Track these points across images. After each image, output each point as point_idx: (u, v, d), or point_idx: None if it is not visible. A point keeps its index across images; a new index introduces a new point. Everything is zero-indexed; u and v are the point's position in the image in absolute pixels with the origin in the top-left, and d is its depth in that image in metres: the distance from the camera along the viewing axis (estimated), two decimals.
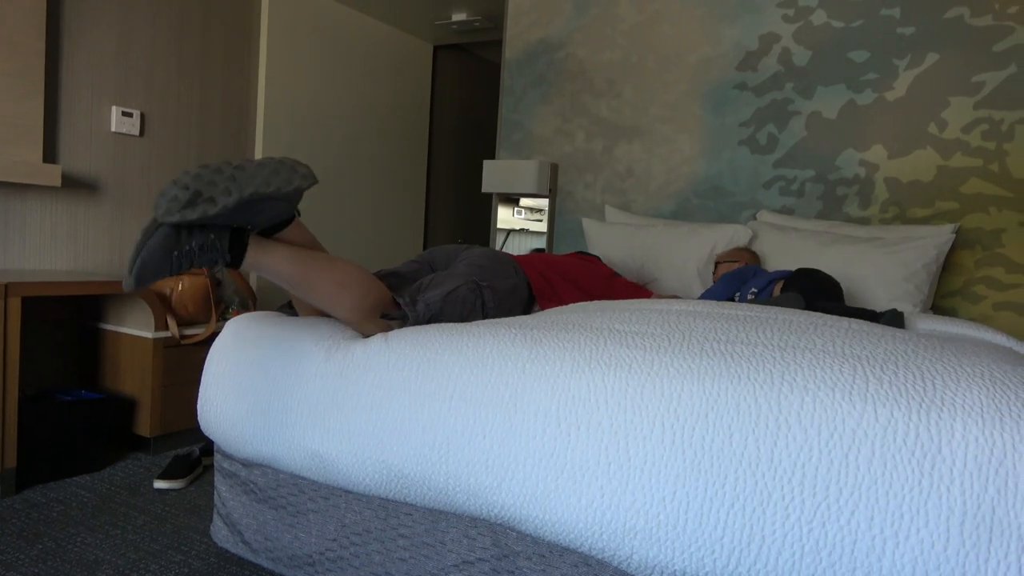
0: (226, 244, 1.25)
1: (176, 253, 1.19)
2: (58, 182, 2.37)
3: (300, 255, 1.35)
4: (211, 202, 1.17)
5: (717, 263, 2.57)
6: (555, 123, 3.51)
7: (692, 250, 2.75)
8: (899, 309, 2.11)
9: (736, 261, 2.51)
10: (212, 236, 1.22)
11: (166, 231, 1.18)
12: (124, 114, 2.67)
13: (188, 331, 2.49)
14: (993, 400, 0.93)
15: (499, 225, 3.84)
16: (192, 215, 1.16)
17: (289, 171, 1.25)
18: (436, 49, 4.57)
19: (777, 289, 2.11)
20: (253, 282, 3.25)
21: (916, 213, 2.69)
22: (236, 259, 1.28)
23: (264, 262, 1.31)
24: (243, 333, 1.50)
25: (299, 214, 1.39)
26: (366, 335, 1.46)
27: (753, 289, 2.17)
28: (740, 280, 2.27)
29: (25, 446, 2.08)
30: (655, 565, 1.04)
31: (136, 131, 2.72)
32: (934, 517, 0.88)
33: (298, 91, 3.43)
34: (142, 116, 2.75)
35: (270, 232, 1.36)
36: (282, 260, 1.32)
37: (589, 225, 3.13)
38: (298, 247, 1.37)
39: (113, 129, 2.65)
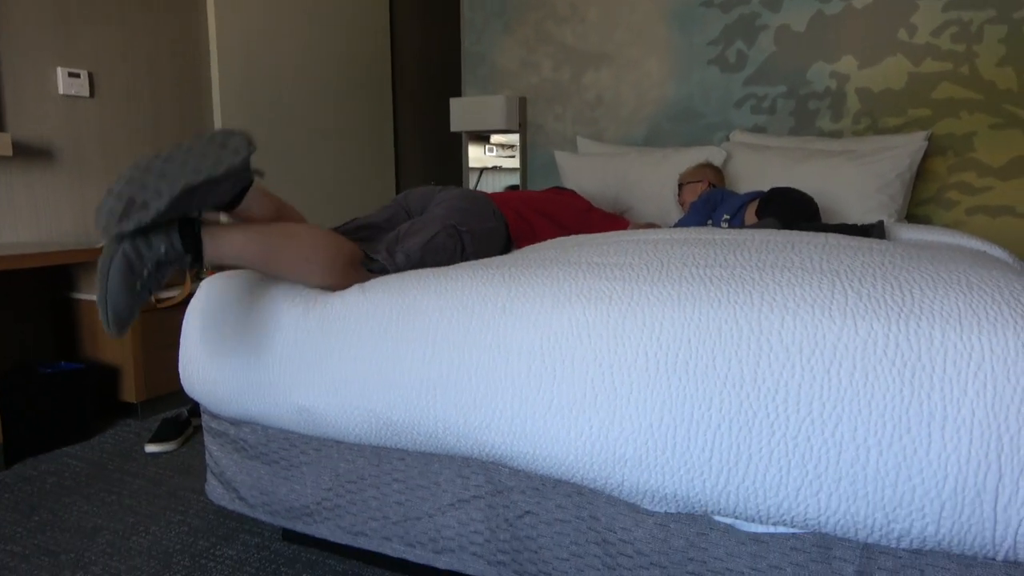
0: (179, 246, 1.17)
1: (138, 284, 1.14)
2: (9, 151, 2.28)
3: (260, 235, 1.28)
4: (144, 207, 1.11)
5: (681, 184, 2.54)
6: (520, 54, 3.42)
7: (666, 176, 2.73)
8: (878, 220, 2.12)
9: (699, 181, 2.48)
10: (163, 248, 1.15)
11: (119, 266, 1.12)
12: (71, 75, 2.56)
13: (163, 295, 2.46)
14: (970, 306, 0.94)
15: (471, 164, 3.78)
16: (129, 225, 1.10)
17: (217, 149, 1.16)
18: None
19: (750, 211, 2.10)
20: None
21: (888, 122, 2.68)
22: (196, 257, 1.21)
23: (224, 251, 1.24)
24: (218, 293, 1.47)
25: (261, 175, 1.30)
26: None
27: (726, 216, 2.15)
28: (710, 207, 2.25)
29: (9, 420, 2.06)
30: (646, 490, 1.06)
31: (85, 92, 2.61)
32: (916, 423, 0.90)
33: (252, 34, 3.30)
34: (90, 76, 2.64)
35: (230, 207, 1.29)
36: (242, 246, 1.26)
37: (562, 158, 3.09)
38: (257, 225, 1.30)
39: (61, 92, 2.54)
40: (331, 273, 1.36)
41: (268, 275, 1.38)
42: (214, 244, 1.23)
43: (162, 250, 1.15)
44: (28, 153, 2.47)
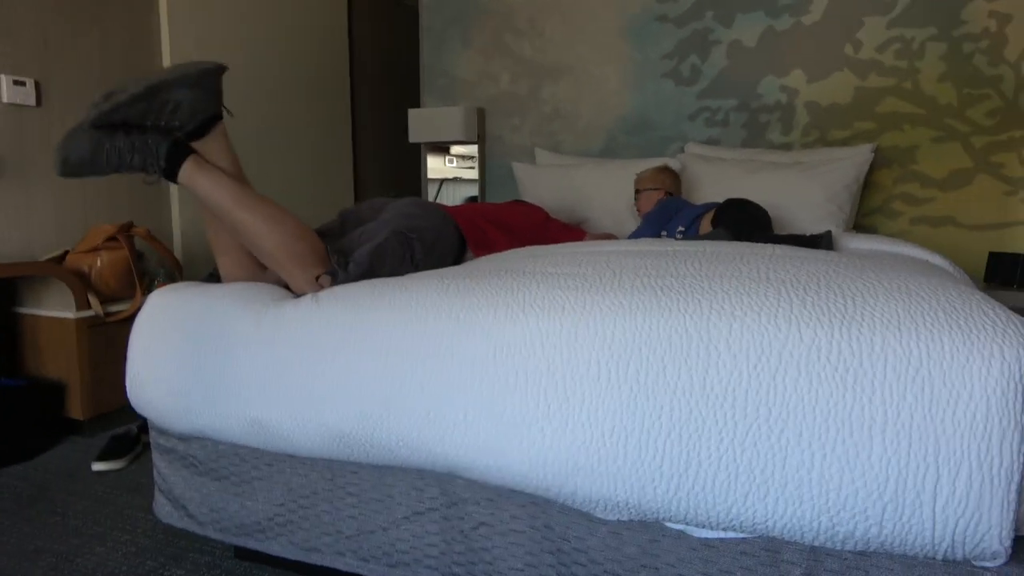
0: (163, 150, 1.32)
1: (108, 146, 1.28)
2: None
3: (238, 183, 1.39)
4: (122, 91, 1.28)
5: (638, 190, 2.53)
6: (478, 65, 3.44)
7: (622, 187, 2.76)
8: (826, 230, 2.17)
9: (656, 188, 2.49)
10: (148, 140, 1.31)
11: (98, 136, 1.28)
12: (16, 83, 2.49)
13: (113, 308, 2.40)
14: (909, 312, 0.97)
15: (431, 175, 3.78)
16: (106, 105, 1.26)
17: (193, 64, 1.34)
18: None
19: (705, 222, 2.13)
20: (178, 252, 3.13)
21: (836, 135, 2.76)
22: (171, 169, 1.34)
23: (201, 180, 1.35)
24: (168, 305, 1.44)
25: (230, 113, 1.46)
26: (298, 292, 1.43)
27: (680, 228, 2.17)
28: (665, 217, 2.27)
29: None
30: (599, 499, 1.06)
31: (32, 101, 2.55)
32: (858, 428, 0.92)
33: (207, 40, 3.25)
34: (36, 84, 2.57)
35: (200, 133, 1.40)
36: (219, 183, 1.36)
37: (520, 169, 3.11)
38: (236, 177, 1.42)
39: (5, 100, 2.47)
40: (291, 247, 1.38)
41: (228, 226, 1.42)
42: (195, 168, 1.35)
43: (147, 141, 1.31)
44: None
